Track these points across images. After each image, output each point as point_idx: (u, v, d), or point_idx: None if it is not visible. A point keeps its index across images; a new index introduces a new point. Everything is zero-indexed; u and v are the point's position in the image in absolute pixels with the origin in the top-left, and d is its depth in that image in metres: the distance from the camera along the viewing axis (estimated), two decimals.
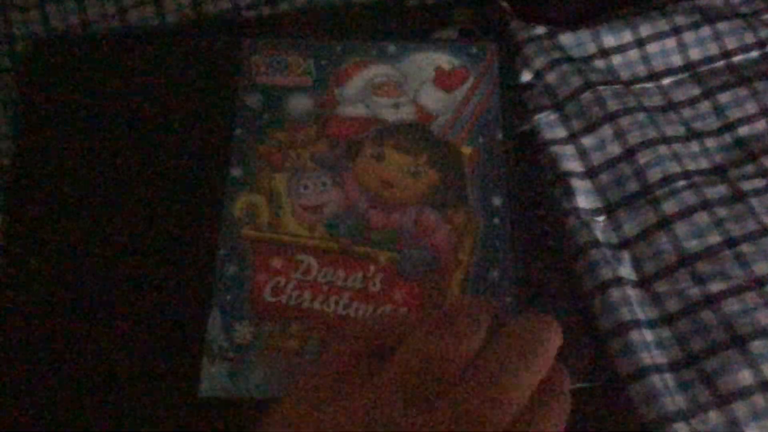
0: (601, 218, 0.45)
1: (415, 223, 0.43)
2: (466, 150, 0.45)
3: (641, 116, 0.46)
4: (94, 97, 0.47)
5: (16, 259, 0.43)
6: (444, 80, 0.47)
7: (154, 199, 0.44)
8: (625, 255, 0.44)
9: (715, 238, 0.43)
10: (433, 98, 0.47)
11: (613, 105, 0.46)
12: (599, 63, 0.49)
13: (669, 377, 0.40)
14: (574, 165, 0.46)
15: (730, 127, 0.47)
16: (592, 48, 0.49)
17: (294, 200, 0.43)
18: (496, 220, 0.44)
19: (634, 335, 0.41)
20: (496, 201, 0.44)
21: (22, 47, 0.50)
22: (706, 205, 0.43)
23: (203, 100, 0.46)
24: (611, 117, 0.46)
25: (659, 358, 0.41)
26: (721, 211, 0.43)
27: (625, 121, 0.46)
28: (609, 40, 0.49)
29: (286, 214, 0.43)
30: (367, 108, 0.46)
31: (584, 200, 0.45)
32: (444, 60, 0.48)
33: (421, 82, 0.47)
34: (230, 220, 0.42)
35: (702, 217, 0.43)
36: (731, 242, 0.42)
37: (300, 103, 0.45)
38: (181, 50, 0.49)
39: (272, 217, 0.43)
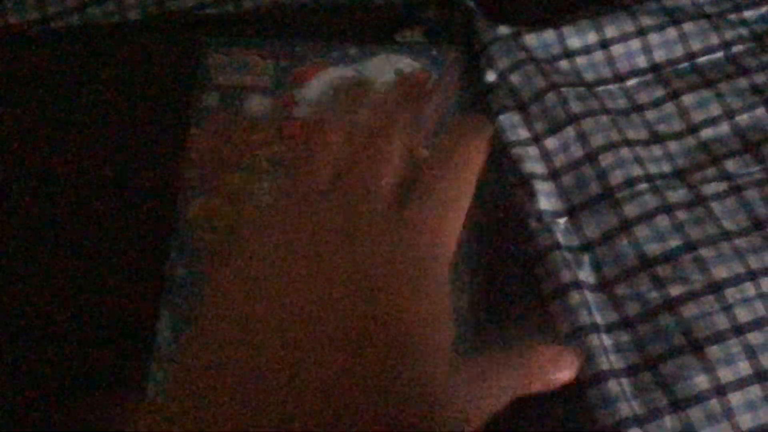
0: (563, 220, 0.45)
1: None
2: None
3: (604, 119, 0.46)
4: (50, 93, 0.47)
5: None
6: (406, 82, 0.47)
7: (107, 199, 0.43)
8: (586, 258, 0.44)
9: (675, 242, 0.42)
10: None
11: (576, 107, 0.46)
12: (563, 64, 0.48)
13: (626, 382, 0.40)
14: (537, 167, 0.46)
15: (693, 129, 0.46)
16: (556, 49, 0.49)
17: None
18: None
19: (593, 340, 0.41)
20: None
21: None
22: (667, 208, 0.43)
23: (160, 98, 0.45)
24: (574, 119, 0.46)
25: (617, 363, 0.41)
26: (682, 215, 0.43)
27: (588, 124, 0.46)
28: (573, 42, 0.49)
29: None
30: (327, 110, 0.46)
31: (546, 202, 0.45)
32: (405, 63, 0.47)
33: (382, 83, 0.47)
34: (184, 223, 0.42)
35: (663, 221, 0.43)
36: (691, 246, 0.42)
37: (258, 104, 0.45)
38: (139, 47, 0.48)
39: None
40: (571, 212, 0.45)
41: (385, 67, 0.47)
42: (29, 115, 0.47)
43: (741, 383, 0.40)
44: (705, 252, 0.42)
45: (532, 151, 0.46)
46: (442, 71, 0.47)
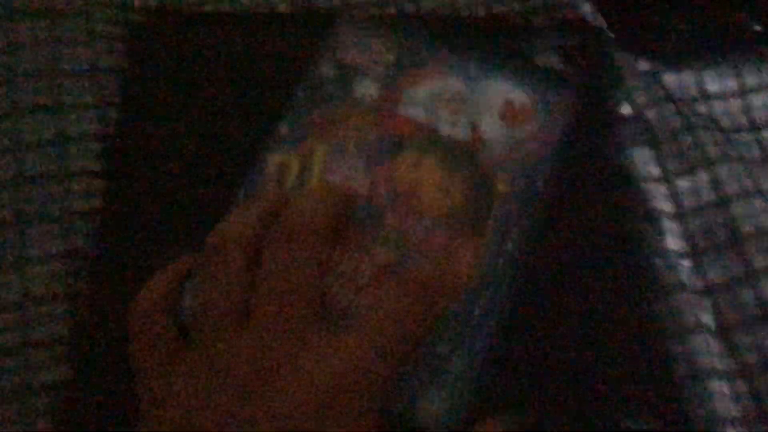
0: (687, 262, 0.45)
1: (424, 236, 0.43)
2: (503, 188, 0.45)
3: (739, 166, 0.46)
4: (195, 69, 0.48)
5: (115, 222, 0.44)
6: (510, 115, 0.47)
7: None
8: (707, 302, 0.44)
9: None
10: (492, 128, 0.47)
11: (712, 151, 0.46)
12: (701, 107, 0.49)
13: (743, 430, 0.41)
14: (665, 205, 0.46)
15: None
16: (694, 91, 0.49)
17: (323, 174, 0.43)
18: (501, 263, 0.43)
19: (712, 386, 0.41)
20: (509, 245, 0.43)
21: (136, 18, 0.51)
22: None
23: (282, 67, 0.48)
24: (709, 163, 0.46)
25: (734, 411, 0.41)
26: None
27: (722, 169, 0.46)
28: (712, 86, 0.49)
29: (311, 183, 0.43)
30: (427, 115, 0.46)
31: (672, 242, 0.45)
32: (517, 94, 0.47)
33: (487, 107, 0.47)
34: (259, 173, 0.43)
35: None
36: None
37: (366, 88, 0.46)
38: (278, 31, 0.50)
39: (297, 182, 0.43)
40: (695, 255, 0.45)
41: (497, 93, 0.47)
42: (174, 88, 0.48)
43: None
44: None
45: (663, 189, 0.47)
46: (550, 116, 0.47)
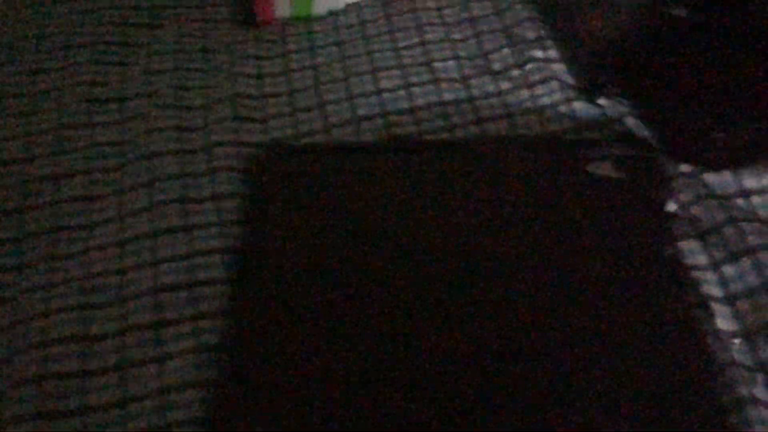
0: (738, 341, 0.50)
1: None
2: None
3: None
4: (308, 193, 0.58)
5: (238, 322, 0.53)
6: None
7: None
8: (759, 378, 0.48)
9: None
10: None
11: (753, 239, 0.52)
12: (740, 201, 0.55)
13: None
14: (714, 290, 0.51)
15: None
16: (733, 188, 0.55)
17: None
18: None
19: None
20: None
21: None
22: None
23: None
24: (752, 251, 0.52)
25: None
26: None
27: (763, 256, 0.51)
28: (751, 183, 0.55)
29: None
30: None
31: (723, 323, 0.50)
32: None
33: None
34: None
35: None
36: None
37: None
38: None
39: None
40: (746, 335, 0.50)
41: None
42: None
43: None
44: None
45: (711, 276, 0.52)
46: None
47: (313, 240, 0.55)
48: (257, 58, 0.68)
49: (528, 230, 0.56)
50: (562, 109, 0.62)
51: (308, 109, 0.64)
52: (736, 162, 0.56)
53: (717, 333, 0.50)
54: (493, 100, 0.63)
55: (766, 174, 0.55)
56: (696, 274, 0.52)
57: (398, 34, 0.69)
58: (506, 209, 0.57)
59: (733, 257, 0.52)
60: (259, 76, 0.66)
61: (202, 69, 0.67)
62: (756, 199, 0.55)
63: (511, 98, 0.63)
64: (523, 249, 0.55)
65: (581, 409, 0.48)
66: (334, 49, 0.69)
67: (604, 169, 0.58)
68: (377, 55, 0.67)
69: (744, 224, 0.53)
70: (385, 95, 0.64)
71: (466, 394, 0.47)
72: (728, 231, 0.53)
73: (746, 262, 0.52)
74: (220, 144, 0.61)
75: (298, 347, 0.50)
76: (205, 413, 0.48)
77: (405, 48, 0.68)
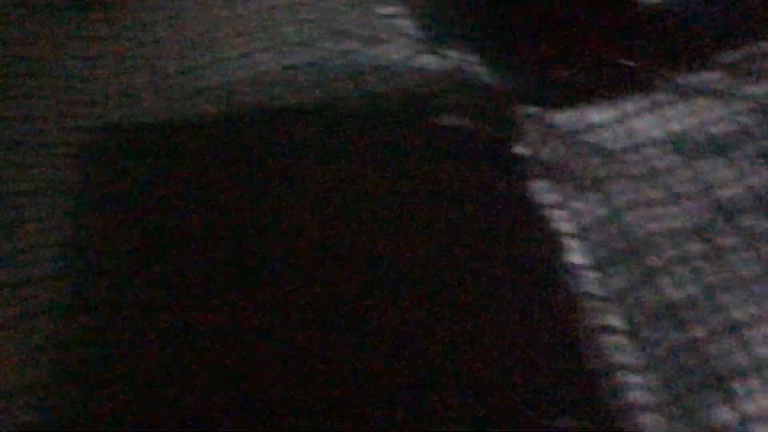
0: (593, 273, 0.49)
1: None
2: None
3: (625, 182, 0.51)
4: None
5: None
6: None
7: None
8: (616, 307, 0.48)
9: (694, 289, 0.47)
10: None
11: (599, 172, 0.52)
12: (587, 137, 0.54)
13: (656, 416, 0.43)
14: (567, 226, 0.51)
15: (708, 190, 0.51)
16: (580, 124, 0.55)
17: None
18: None
19: (621, 378, 0.44)
20: None
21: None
22: (686, 259, 0.48)
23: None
24: (599, 183, 0.51)
25: (647, 399, 0.44)
26: (699, 264, 0.48)
27: (611, 186, 0.51)
28: (595, 117, 0.55)
29: None
30: None
31: (576, 257, 0.50)
32: None
33: None
34: None
35: (683, 270, 0.47)
36: (709, 291, 0.46)
37: None
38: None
39: None
40: (600, 266, 0.49)
41: None
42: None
43: (763, 416, 0.43)
44: (723, 296, 0.46)
45: (563, 212, 0.51)
46: None
47: (145, 230, 0.52)
48: (86, 38, 0.64)
49: (379, 188, 0.54)
50: (410, 64, 0.61)
51: (143, 88, 0.60)
52: (580, 98, 0.56)
53: (570, 267, 0.49)
54: (339, 62, 0.61)
55: (609, 108, 0.55)
56: (547, 212, 0.51)
57: (236, 1, 0.66)
58: (357, 171, 0.55)
59: (582, 192, 0.52)
60: (88, 57, 0.63)
61: (25, 55, 0.63)
62: (602, 133, 0.54)
63: (357, 58, 0.61)
64: (375, 206, 0.53)
65: (442, 352, 0.46)
66: (168, 21, 0.65)
67: (452, 119, 0.57)
68: (215, 24, 0.64)
69: (591, 158, 0.52)
70: (226, 65, 0.61)
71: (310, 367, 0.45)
72: (576, 166, 0.52)
73: (594, 195, 0.51)
74: (46, 132, 0.57)
75: (127, 343, 0.47)
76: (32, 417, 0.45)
77: (244, 15, 0.65)
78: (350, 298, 0.48)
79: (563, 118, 0.55)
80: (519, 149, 0.54)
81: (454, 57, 0.60)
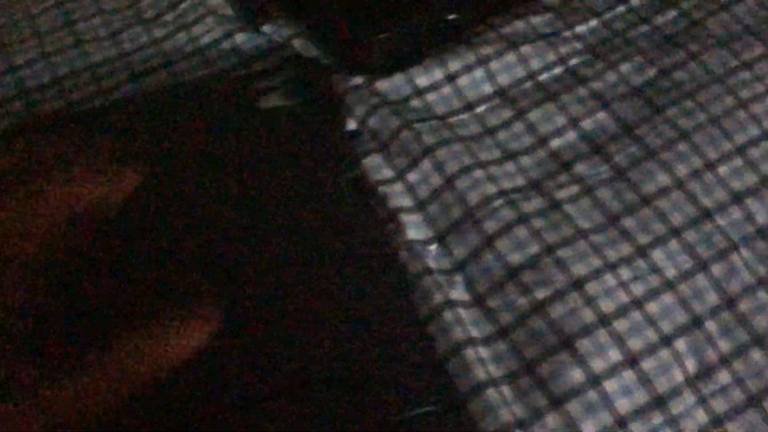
0: (433, 247, 0.47)
1: None
2: None
3: (457, 146, 0.49)
4: None
5: None
6: None
7: None
8: (459, 278, 0.46)
9: (535, 249, 0.45)
10: None
11: (429, 139, 0.49)
12: (415, 103, 0.51)
13: (506, 389, 0.42)
14: (403, 201, 0.48)
15: (542, 142, 0.49)
16: (407, 90, 0.52)
17: None
18: None
19: (469, 354, 0.42)
20: None
21: None
22: (523, 219, 0.46)
23: None
24: (429, 151, 0.48)
25: (496, 371, 0.42)
26: (538, 223, 0.46)
27: (442, 153, 0.48)
28: (422, 81, 0.52)
29: None
30: None
31: (415, 232, 0.47)
32: None
33: None
34: None
35: (521, 231, 0.45)
36: (550, 250, 0.45)
37: None
38: None
39: None
40: (440, 238, 0.47)
41: None
42: None
43: (613, 371, 0.42)
44: (563, 252, 0.45)
45: (398, 187, 0.49)
46: None
47: None
48: None
49: (206, 181, 0.50)
50: (225, 45, 0.56)
51: None
52: (405, 62, 0.53)
53: (410, 244, 0.47)
54: (149, 51, 0.56)
55: (435, 69, 0.52)
56: (383, 188, 0.49)
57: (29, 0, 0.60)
58: (178, 168, 0.50)
59: (414, 162, 0.49)
60: None
61: None
62: (430, 97, 0.52)
63: (167, 45, 0.56)
64: (203, 199, 0.49)
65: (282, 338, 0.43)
66: None
67: (276, 100, 0.53)
68: (7, 28, 0.58)
69: (419, 125, 0.50)
70: (21, 72, 0.55)
71: None
72: (406, 136, 0.49)
73: (427, 164, 0.48)
74: None
75: None
76: None
77: (40, 13, 0.59)
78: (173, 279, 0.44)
79: (390, 85, 0.52)
80: (350, 124, 0.51)
81: (269, 33, 0.56)
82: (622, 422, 0.41)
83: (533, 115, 0.50)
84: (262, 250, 0.47)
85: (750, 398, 0.42)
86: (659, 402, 0.41)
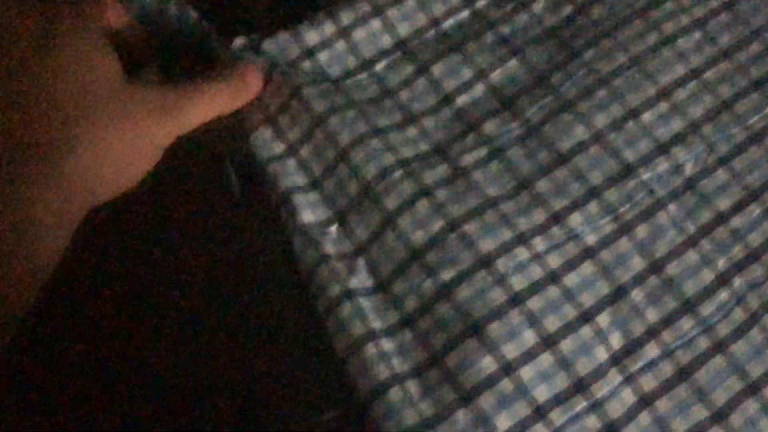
0: (333, 228, 0.42)
1: None
2: None
3: (350, 113, 0.43)
4: None
5: None
6: None
7: None
8: (361, 262, 0.41)
9: (438, 225, 0.40)
10: None
11: (319, 106, 0.43)
12: (306, 65, 0.46)
13: (412, 385, 0.38)
14: (296, 179, 0.43)
15: (447, 100, 0.44)
16: (295, 50, 0.46)
17: None
18: None
19: (369, 349, 0.38)
20: None
21: None
22: (425, 192, 0.41)
23: None
24: (320, 120, 0.43)
25: (401, 366, 0.38)
26: (442, 194, 0.41)
27: (333, 122, 0.43)
28: (312, 38, 0.46)
29: None
30: None
31: (311, 214, 0.42)
32: None
33: None
34: None
35: (422, 206, 0.41)
36: (454, 225, 0.40)
37: None
38: None
39: None
40: (340, 218, 0.42)
41: None
42: None
43: (529, 355, 0.38)
44: (469, 227, 0.40)
45: (291, 163, 0.44)
46: None
47: None
48: None
49: None
50: None
51: None
52: (289, 19, 0.47)
53: (305, 228, 0.42)
54: None
55: (325, 23, 0.46)
56: (273, 167, 0.44)
57: None
58: None
59: (306, 135, 0.44)
60: None
61: None
62: (322, 56, 0.46)
63: None
64: None
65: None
66: None
67: (153, 70, 0.47)
68: None
69: (308, 92, 0.44)
70: None
71: None
72: (295, 105, 0.44)
73: (319, 135, 0.43)
74: None
75: None
76: None
77: None
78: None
79: (276, 46, 0.46)
80: None
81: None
82: (540, 412, 0.37)
83: (436, 70, 0.45)
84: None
85: (680, 372, 0.38)
86: (581, 386, 0.38)
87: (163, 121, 0.38)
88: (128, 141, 0.37)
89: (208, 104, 0.40)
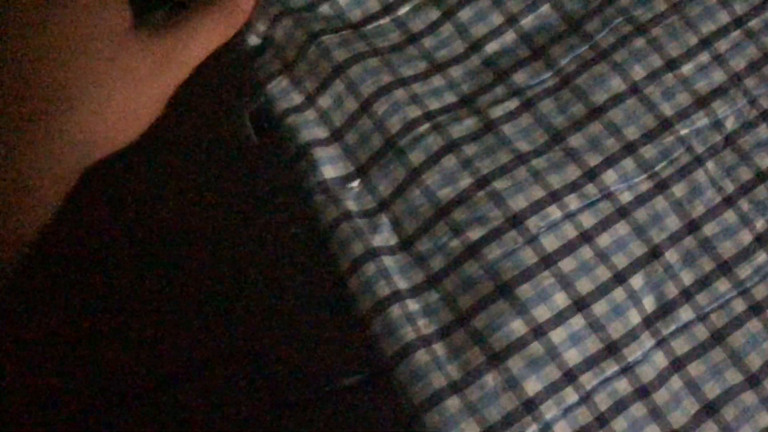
0: (356, 183, 0.40)
1: None
2: None
3: (373, 61, 0.41)
4: None
5: None
6: None
7: None
8: (384, 218, 0.40)
9: (466, 181, 0.39)
10: None
11: (340, 55, 0.41)
12: (324, 8, 0.43)
13: (439, 347, 0.37)
14: (316, 132, 0.41)
15: (475, 47, 0.42)
16: None
17: None
18: None
19: (394, 311, 0.37)
20: None
21: None
22: (452, 146, 0.39)
23: None
24: (340, 69, 0.41)
25: (427, 327, 0.37)
26: (470, 149, 0.39)
27: (355, 71, 0.41)
28: None
29: None
30: None
31: (332, 169, 0.40)
32: None
33: None
34: None
35: (449, 161, 0.39)
36: (483, 181, 0.38)
37: None
38: None
39: None
40: (362, 172, 0.41)
41: None
42: None
43: (560, 318, 0.36)
44: (498, 184, 0.38)
45: (310, 114, 0.42)
46: None
47: None
48: None
49: None
50: None
51: None
52: None
53: (325, 184, 0.40)
54: None
55: None
56: (292, 118, 0.42)
57: None
58: None
59: (325, 84, 0.41)
60: None
61: None
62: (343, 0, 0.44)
63: None
64: None
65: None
66: None
67: (162, 16, 0.45)
68: None
69: (327, 38, 0.42)
70: None
71: None
72: (312, 53, 0.42)
73: (339, 85, 0.41)
74: None
75: None
76: None
77: None
78: None
79: None
80: (252, 40, 0.43)
81: None
82: (570, 376, 0.36)
83: (463, 15, 0.42)
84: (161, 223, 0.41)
85: (714, 335, 0.37)
86: (613, 349, 0.37)
87: (164, 74, 0.37)
88: (128, 96, 0.36)
89: (206, 41, 0.38)
